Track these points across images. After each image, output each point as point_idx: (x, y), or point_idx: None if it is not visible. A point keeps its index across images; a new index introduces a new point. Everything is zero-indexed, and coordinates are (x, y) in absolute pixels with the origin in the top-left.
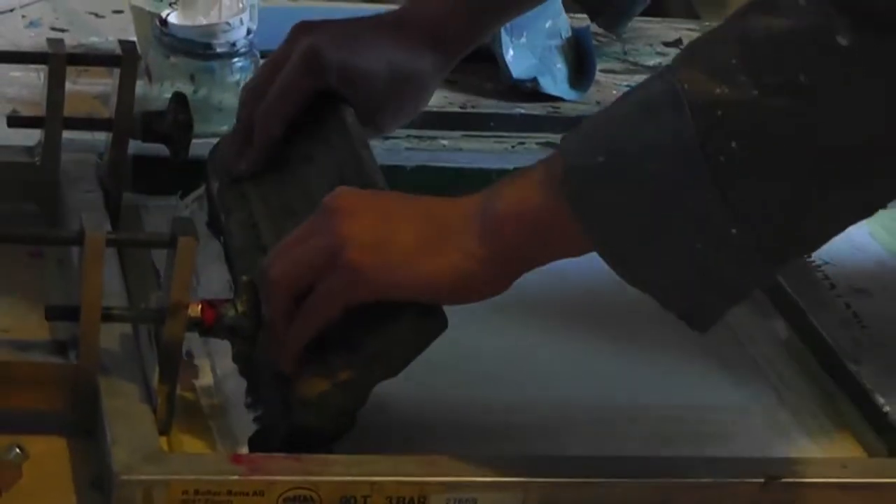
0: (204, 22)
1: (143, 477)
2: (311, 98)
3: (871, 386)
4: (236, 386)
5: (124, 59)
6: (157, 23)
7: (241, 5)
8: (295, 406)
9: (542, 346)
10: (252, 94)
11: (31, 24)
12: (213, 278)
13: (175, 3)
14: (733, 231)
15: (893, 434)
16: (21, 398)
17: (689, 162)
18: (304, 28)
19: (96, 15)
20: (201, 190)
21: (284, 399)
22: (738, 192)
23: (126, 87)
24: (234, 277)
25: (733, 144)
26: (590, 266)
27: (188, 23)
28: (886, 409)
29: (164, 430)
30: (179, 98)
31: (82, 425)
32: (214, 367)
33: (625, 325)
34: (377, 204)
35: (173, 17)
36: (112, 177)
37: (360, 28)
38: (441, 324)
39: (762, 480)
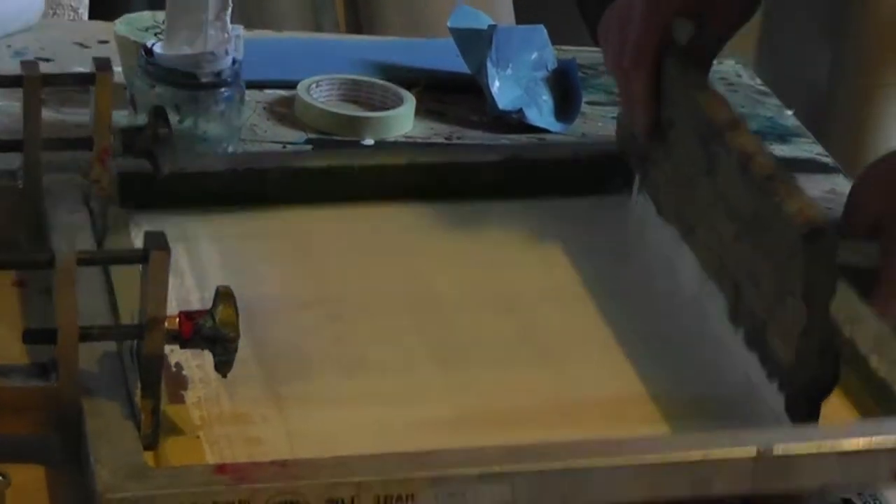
0: (189, 52)
1: (127, 494)
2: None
3: (865, 350)
4: None
5: (99, 76)
6: (143, 52)
7: (226, 36)
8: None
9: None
10: (615, 62)
11: (16, 54)
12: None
13: (160, 33)
14: None
15: (887, 395)
16: (3, 424)
17: None
18: None
19: (82, 45)
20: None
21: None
22: None
23: (102, 104)
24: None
25: None
26: None
27: (173, 53)
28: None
29: (150, 446)
30: (158, 111)
31: (66, 448)
32: None
33: (629, 307)
34: None
35: (158, 47)
36: (97, 195)
37: None
38: None
39: (754, 455)
